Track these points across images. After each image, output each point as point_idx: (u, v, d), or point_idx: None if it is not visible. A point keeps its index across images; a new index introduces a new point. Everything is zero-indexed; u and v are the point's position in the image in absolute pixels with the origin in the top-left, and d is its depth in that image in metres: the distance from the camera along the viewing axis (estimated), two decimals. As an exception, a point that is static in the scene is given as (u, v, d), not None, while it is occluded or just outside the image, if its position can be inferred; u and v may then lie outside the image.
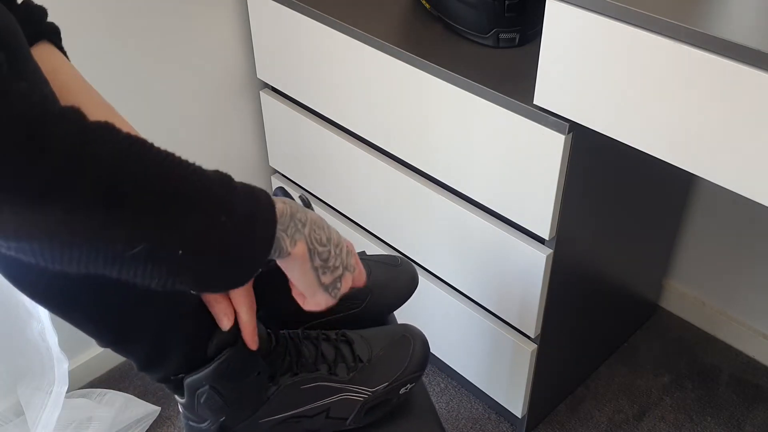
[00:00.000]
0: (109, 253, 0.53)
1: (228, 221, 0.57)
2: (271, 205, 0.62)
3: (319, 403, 0.84)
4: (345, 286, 0.72)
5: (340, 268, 0.71)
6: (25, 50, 0.59)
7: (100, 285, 0.67)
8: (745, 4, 0.89)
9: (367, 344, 0.88)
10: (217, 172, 0.59)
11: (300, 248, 0.65)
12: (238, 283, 0.62)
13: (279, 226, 0.62)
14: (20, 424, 1.47)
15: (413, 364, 0.88)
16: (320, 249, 0.67)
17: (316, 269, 0.68)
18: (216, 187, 0.58)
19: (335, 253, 0.70)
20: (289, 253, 0.64)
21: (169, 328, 0.75)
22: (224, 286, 0.63)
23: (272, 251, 0.62)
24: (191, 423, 0.83)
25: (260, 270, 0.62)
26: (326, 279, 0.70)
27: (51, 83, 0.61)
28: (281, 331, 0.87)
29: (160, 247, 0.55)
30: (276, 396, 0.82)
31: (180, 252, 0.55)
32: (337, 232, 0.72)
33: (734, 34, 0.83)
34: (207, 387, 0.77)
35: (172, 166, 0.55)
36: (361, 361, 0.86)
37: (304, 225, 0.65)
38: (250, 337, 0.77)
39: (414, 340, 0.90)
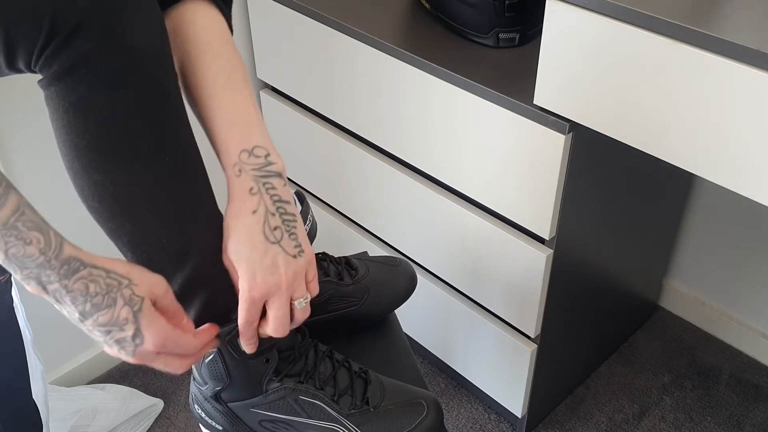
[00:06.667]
0: None
1: None
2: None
3: (312, 421, 0.83)
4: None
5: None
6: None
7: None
8: (745, 4, 0.89)
9: (382, 392, 0.86)
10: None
11: (32, 288, 0.62)
12: None
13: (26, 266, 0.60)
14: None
15: None
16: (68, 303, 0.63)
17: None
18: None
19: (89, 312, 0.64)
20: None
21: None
22: None
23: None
24: (194, 382, 0.83)
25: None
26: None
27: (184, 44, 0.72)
28: (310, 339, 0.86)
29: None
30: (274, 393, 0.81)
31: None
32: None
33: (735, 35, 0.83)
34: (215, 349, 0.77)
35: None
36: (367, 404, 0.84)
37: (64, 296, 0.62)
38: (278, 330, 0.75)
39: (429, 412, 0.86)
